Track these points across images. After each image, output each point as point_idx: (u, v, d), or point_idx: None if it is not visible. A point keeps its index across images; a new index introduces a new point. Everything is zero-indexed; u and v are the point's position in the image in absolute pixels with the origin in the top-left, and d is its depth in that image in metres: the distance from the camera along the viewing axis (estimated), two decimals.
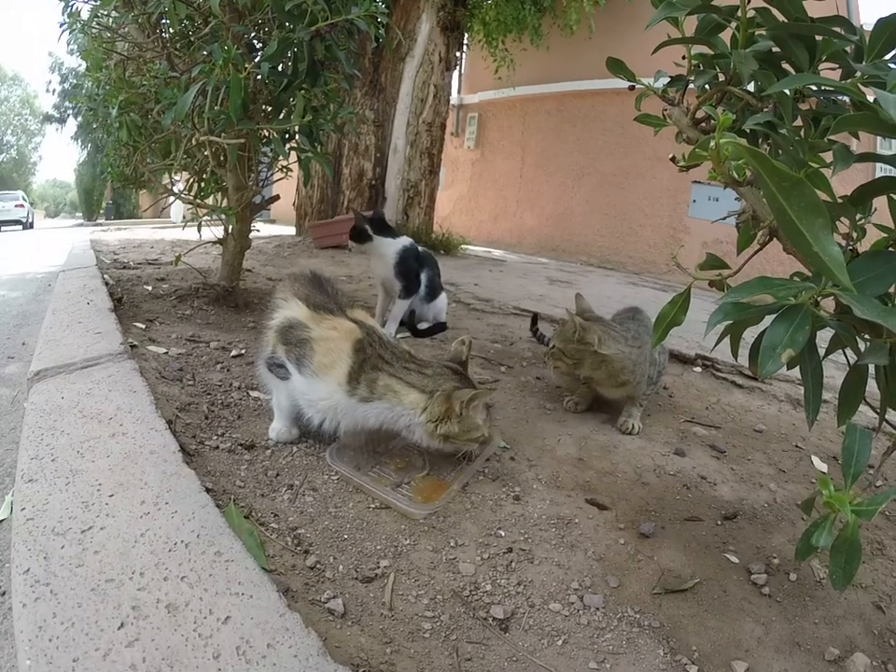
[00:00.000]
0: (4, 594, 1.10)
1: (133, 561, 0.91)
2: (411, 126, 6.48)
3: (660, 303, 1.10)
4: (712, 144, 0.78)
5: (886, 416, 1.07)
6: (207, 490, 1.15)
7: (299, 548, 1.13)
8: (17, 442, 1.59)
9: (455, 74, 8.98)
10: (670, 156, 0.96)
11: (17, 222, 17.83)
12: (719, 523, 1.42)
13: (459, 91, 10.76)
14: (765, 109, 1.06)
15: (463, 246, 7.20)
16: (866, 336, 0.97)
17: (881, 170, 5.75)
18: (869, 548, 1.39)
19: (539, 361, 2.54)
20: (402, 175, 6.50)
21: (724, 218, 1.14)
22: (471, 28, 8.06)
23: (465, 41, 8.16)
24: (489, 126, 10.55)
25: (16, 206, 18.35)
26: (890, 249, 0.98)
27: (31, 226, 18.66)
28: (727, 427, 2.06)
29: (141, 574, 0.89)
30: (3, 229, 16.68)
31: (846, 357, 1.09)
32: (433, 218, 7.16)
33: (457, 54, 7.44)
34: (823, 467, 1.83)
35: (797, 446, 1.95)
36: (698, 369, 2.70)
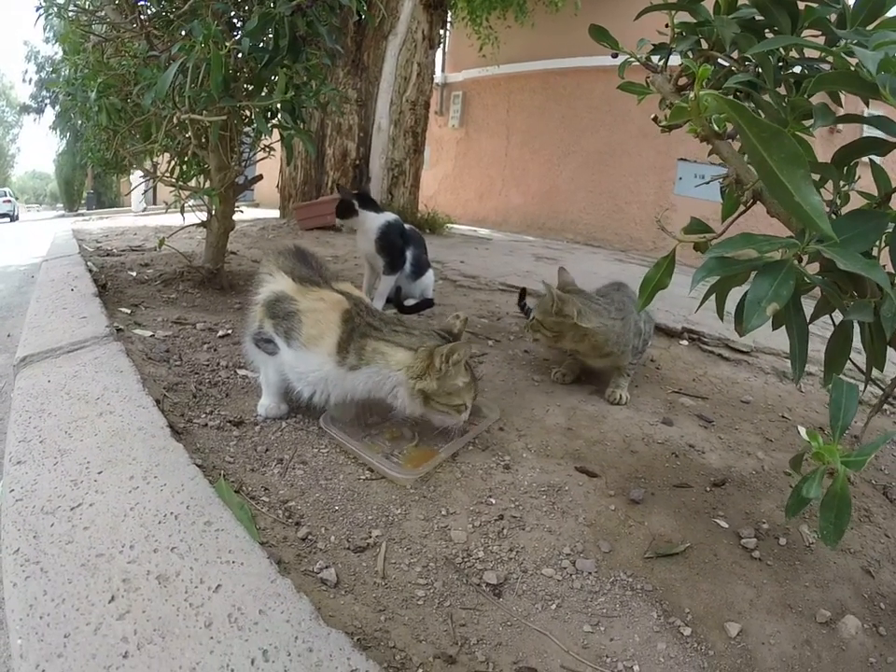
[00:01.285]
0: None
1: (122, 535, 0.91)
2: (394, 105, 6.40)
3: None
4: (692, 96, 0.78)
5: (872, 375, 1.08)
6: (197, 466, 1.14)
7: (290, 520, 1.13)
8: (4, 433, 1.58)
9: (439, 52, 8.87)
10: (652, 116, 0.95)
11: (5, 215, 20.71)
12: (708, 489, 1.43)
13: (443, 70, 10.64)
14: (748, 72, 1.05)
15: (448, 225, 7.17)
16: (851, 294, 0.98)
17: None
18: (857, 515, 1.41)
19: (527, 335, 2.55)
20: (386, 154, 6.43)
21: (708, 182, 1.13)
22: (455, 5, 7.98)
23: (449, 19, 8.05)
24: (474, 104, 10.46)
25: (3, 202, 21.36)
26: None
27: (17, 218, 21.22)
28: (714, 398, 2.08)
29: (131, 547, 0.89)
30: None
31: (832, 319, 1.10)
32: (418, 198, 7.10)
33: (441, 32, 7.32)
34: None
35: (783, 417, 1.97)
36: (685, 342, 2.71)
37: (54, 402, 1.29)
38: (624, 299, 1.96)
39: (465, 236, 6.93)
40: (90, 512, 0.95)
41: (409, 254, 2.81)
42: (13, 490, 0.99)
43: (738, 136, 0.83)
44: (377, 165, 6.38)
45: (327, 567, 1.02)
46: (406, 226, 2.91)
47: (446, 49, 10.55)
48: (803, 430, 1.92)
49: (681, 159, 7.62)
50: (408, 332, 1.40)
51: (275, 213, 7.07)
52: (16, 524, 0.91)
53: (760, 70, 1.06)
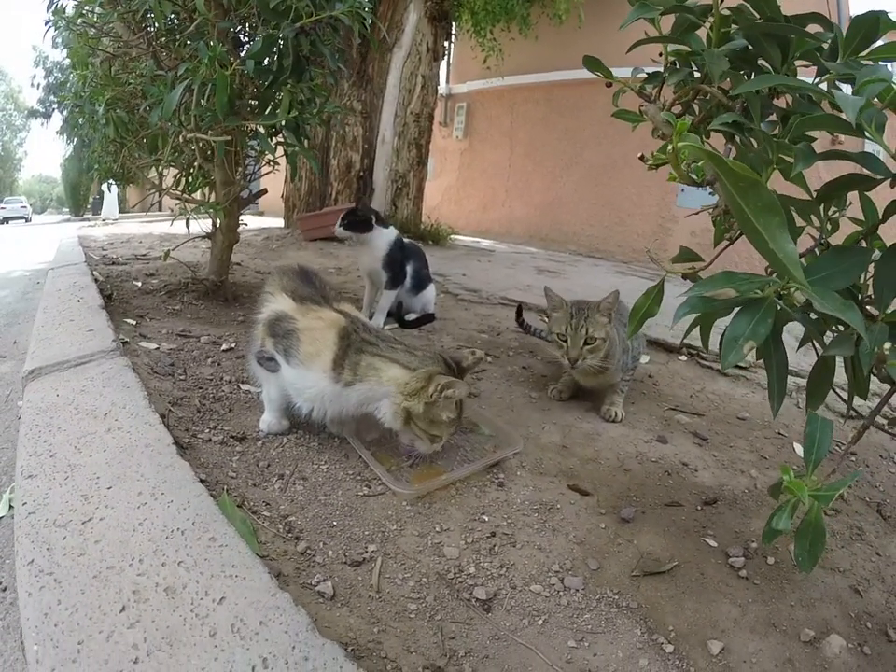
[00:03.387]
0: (5, 589, 1.13)
1: (132, 548, 0.95)
2: (398, 117, 6.46)
3: None
4: (670, 147, 0.81)
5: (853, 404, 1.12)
6: (201, 481, 1.18)
7: (290, 534, 1.17)
8: (12, 441, 1.62)
9: (444, 63, 8.95)
10: (639, 154, 0.99)
11: (21, 217, 25.76)
12: (699, 508, 1.46)
13: (447, 81, 10.73)
14: (735, 108, 1.09)
15: (452, 237, 7.22)
16: (835, 328, 1.01)
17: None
18: (849, 533, 1.44)
19: (525, 351, 2.58)
20: (390, 165, 6.49)
21: (698, 213, 1.17)
22: (459, 18, 8.04)
23: (453, 31, 8.12)
24: (477, 116, 10.54)
25: (21, 207, 27.29)
26: (862, 243, 1.02)
27: (30, 220, 26.33)
28: (710, 414, 2.11)
29: (140, 560, 0.93)
30: (11, 222, 23.42)
31: (814, 347, 1.13)
32: (421, 209, 7.15)
33: (445, 44, 7.40)
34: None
35: (780, 433, 1.99)
36: (683, 357, 2.74)
37: (63, 417, 1.33)
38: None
39: (468, 248, 6.97)
40: (100, 526, 0.99)
41: (409, 268, 2.84)
42: (26, 503, 1.03)
43: (716, 184, 0.87)
44: (381, 177, 6.44)
45: (324, 581, 1.05)
46: (406, 240, 2.95)
47: (450, 61, 10.65)
48: (798, 447, 1.95)
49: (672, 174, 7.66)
50: (408, 351, 1.42)
51: (280, 222, 7.12)
52: (29, 536, 0.95)
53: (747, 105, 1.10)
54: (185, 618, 0.82)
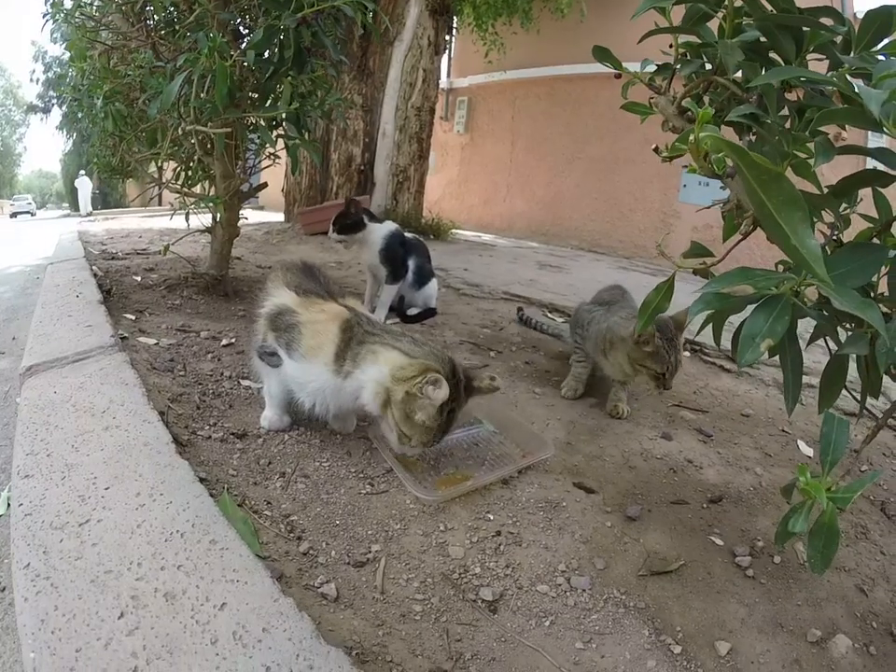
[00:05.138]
0: (3, 589, 1.12)
1: (130, 552, 0.93)
2: (399, 111, 6.43)
3: (649, 288, 1.12)
4: (692, 137, 0.79)
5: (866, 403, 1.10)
6: (201, 480, 1.16)
7: (292, 534, 1.15)
8: (10, 439, 1.60)
9: (445, 57, 8.91)
10: (653, 146, 0.97)
11: (27, 212, 28.92)
12: (704, 506, 1.44)
13: (449, 75, 10.68)
14: (750, 100, 1.06)
15: (453, 231, 7.19)
16: (848, 325, 0.99)
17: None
18: (853, 531, 1.42)
19: (528, 346, 2.57)
20: (391, 159, 6.46)
21: (709, 207, 1.15)
22: (461, 11, 7.99)
23: (454, 24, 8.09)
24: (479, 110, 10.49)
25: (27, 203, 31.05)
26: (875, 240, 1.00)
27: (34, 214, 29.37)
28: (714, 411, 2.09)
29: (139, 564, 0.90)
30: (18, 217, 26.40)
31: (827, 345, 1.11)
32: (423, 203, 7.13)
33: (447, 38, 7.37)
34: (809, 451, 1.86)
35: (784, 430, 1.98)
36: (687, 353, 2.72)
37: (60, 415, 1.31)
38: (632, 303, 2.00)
39: (469, 242, 6.95)
40: (98, 529, 0.97)
41: (411, 263, 2.83)
42: (21, 504, 1.00)
43: (737, 175, 0.84)
44: (382, 171, 6.41)
45: (327, 582, 1.04)
46: (408, 235, 2.93)
47: (452, 55, 10.60)
48: (802, 444, 1.93)
49: (686, 166, 7.63)
50: (414, 343, 1.37)
51: (280, 216, 7.10)
52: (25, 538, 0.93)
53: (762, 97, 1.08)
54: (185, 625, 0.80)
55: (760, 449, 1.81)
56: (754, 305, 0.79)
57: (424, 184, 7.09)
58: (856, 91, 0.82)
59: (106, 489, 1.06)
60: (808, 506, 0.82)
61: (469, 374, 1.39)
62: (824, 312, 0.91)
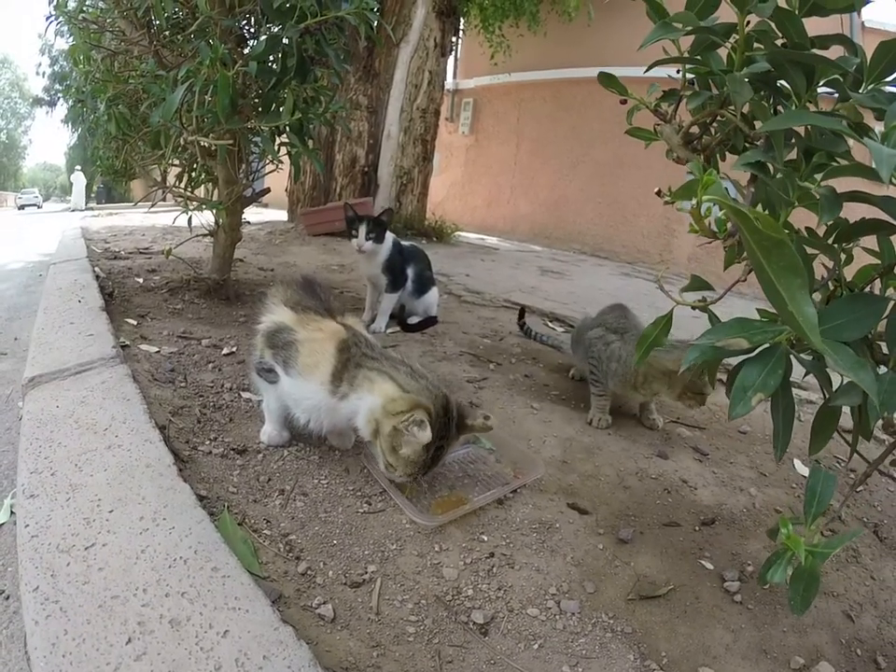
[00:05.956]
0: (8, 597, 1.13)
1: (135, 577, 0.95)
2: (404, 112, 6.45)
3: (651, 297, 1.13)
4: (693, 202, 0.80)
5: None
6: (202, 498, 1.19)
7: (290, 554, 1.17)
8: (12, 443, 1.62)
9: (451, 59, 8.91)
10: (656, 189, 0.97)
11: (34, 205, 30.80)
12: (696, 528, 1.46)
13: (454, 76, 10.69)
14: (756, 142, 1.07)
15: (456, 233, 7.21)
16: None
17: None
18: (844, 555, 1.43)
19: (528, 358, 2.58)
20: (395, 161, 6.48)
21: (710, 243, 1.16)
22: (468, 13, 8.01)
23: (461, 26, 8.08)
24: (484, 112, 10.50)
25: (34, 196, 32.44)
26: (876, 284, 1.00)
27: (41, 206, 31.50)
28: (712, 427, 2.10)
29: (144, 590, 0.92)
30: (26, 209, 28.22)
31: (822, 391, 1.12)
32: (426, 205, 7.15)
33: (453, 39, 7.37)
34: (805, 470, 1.86)
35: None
36: None
37: (63, 431, 1.33)
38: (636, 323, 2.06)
39: (472, 245, 6.96)
40: (103, 553, 0.99)
41: (411, 271, 2.83)
42: (28, 525, 1.02)
43: (738, 236, 0.85)
44: (386, 172, 6.43)
45: (324, 603, 1.05)
46: (406, 243, 2.93)
47: (458, 56, 10.59)
48: (798, 464, 1.94)
49: (690, 173, 7.63)
50: (412, 375, 1.37)
51: (283, 215, 7.12)
52: (33, 561, 0.95)
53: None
54: (190, 651, 0.82)
55: (755, 468, 1.82)
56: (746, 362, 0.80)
57: (428, 186, 7.10)
58: (869, 147, 0.81)
59: (110, 512, 1.08)
60: (788, 556, 0.83)
61: (462, 412, 1.40)
62: (818, 360, 0.92)
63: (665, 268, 7.59)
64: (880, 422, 0.97)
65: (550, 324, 3.29)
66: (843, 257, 1.04)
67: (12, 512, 1.38)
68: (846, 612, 1.24)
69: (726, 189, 0.80)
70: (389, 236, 2.75)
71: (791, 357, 0.82)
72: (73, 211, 10.57)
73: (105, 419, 1.38)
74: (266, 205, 10.47)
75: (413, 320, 2.87)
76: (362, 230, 2.56)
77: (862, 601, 1.29)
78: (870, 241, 1.08)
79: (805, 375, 1.13)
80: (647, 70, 1.26)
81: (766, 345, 0.78)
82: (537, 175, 9.67)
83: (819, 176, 0.94)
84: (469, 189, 10.73)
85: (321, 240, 5.53)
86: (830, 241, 1.02)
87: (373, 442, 1.35)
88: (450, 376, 2.21)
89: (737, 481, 1.72)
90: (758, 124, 1.12)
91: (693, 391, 1.79)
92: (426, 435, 1.24)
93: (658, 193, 0.96)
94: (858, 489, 1.02)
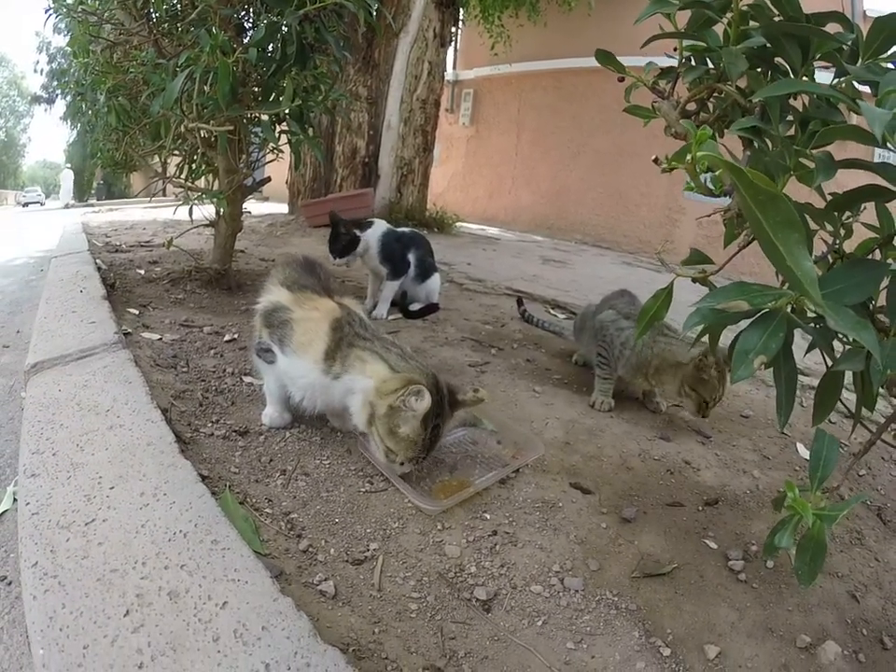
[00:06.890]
0: (10, 583, 1.14)
1: (135, 551, 0.95)
2: (405, 103, 6.42)
3: (653, 285, 1.13)
4: (689, 156, 0.79)
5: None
6: (203, 478, 1.19)
7: (292, 532, 1.17)
8: (15, 433, 1.62)
9: (451, 49, 8.87)
10: (653, 157, 0.97)
11: (37, 202, 29.85)
12: (700, 508, 1.46)
13: (455, 67, 10.64)
14: (753, 111, 1.06)
15: (457, 224, 7.19)
16: (844, 339, 0.99)
17: (879, 156, 5.72)
18: (848, 537, 1.43)
19: (530, 343, 2.58)
20: (396, 152, 6.45)
21: (709, 216, 1.15)
22: (467, 3, 7.97)
23: (461, 17, 8.04)
24: (484, 102, 10.46)
25: (37, 194, 32.13)
26: (876, 255, 0.99)
27: (44, 204, 30.26)
28: (714, 411, 2.09)
29: (143, 563, 0.93)
30: (29, 206, 27.27)
31: (823, 357, 1.11)
32: (427, 196, 7.12)
33: (453, 30, 7.33)
34: (807, 454, 1.85)
35: (783, 433, 1.98)
36: None
37: (65, 413, 1.33)
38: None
39: (473, 235, 6.94)
40: (103, 528, 0.99)
41: (412, 257, 2.83)
42: (28, 503, 1.03)
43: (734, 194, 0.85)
44: (386, 163, 6.41)
45: (326, 580, 1.06)
46: (406, 229, 2.93)
47: (458, 47, 10.54)
48: (801, 447, 1.94)
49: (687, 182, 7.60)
50: (402, 356, 1.37)
51: (284, 207, 7.10)
52: (33, 537, 0.95)
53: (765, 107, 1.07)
54: (188, 622, 0.83)
55: (758, 451, 1.82)
56: (747, 326, 0.80)
57: (428, 177, 7.08)
58: (860, 108, 0.81)
59: (111, 489, 1.09)
60: (795, 521, 0.83)
61: (452, 389, 1.40)
62: (820, 326, 0.92)
63: (669, 243, 7.56)
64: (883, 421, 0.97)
65: (552, 311, 3.29)
66: (842, 232, 1.04)
67: (15, 499, 1.38)
68: (850, 593, 1.24)
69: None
70: (377, 229, 2.75)
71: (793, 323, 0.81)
72: (67, 207, 10.62)
73: (106, 401, 1.38)
74: (267, 198, 10.47)
75: (415, 307, 2.88)
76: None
77: (867, 582, 1.28)
78: (870, 217, 1.08)
79: (808, 352, 1.13)
80: (644, 45, 1.25)
81: (766, 309, 0.77)
82: (538, 165, 9.64)
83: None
84: (470, 180, 10.70)
85: (322, 231, 5.49)
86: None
87: (370, 431, 1.34)
88: (452, 361, 2.21)
89: (740, 463, 1.72)
90: None
91: (700, 390, 1.80)
92: (424, 403, 1.24)
93: (655, 161, 0.96)
94: (861, 458, 1.01)
